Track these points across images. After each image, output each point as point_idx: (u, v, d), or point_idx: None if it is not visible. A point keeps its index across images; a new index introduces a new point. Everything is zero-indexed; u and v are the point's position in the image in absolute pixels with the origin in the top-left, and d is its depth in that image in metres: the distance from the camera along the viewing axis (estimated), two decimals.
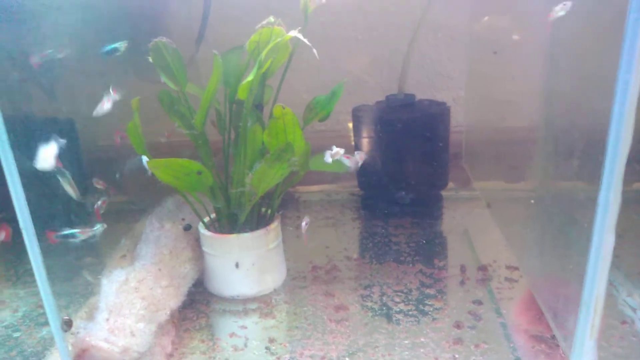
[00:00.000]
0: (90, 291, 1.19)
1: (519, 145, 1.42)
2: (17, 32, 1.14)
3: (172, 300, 1.06)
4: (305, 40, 0.91)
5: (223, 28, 1.67)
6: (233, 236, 1.15)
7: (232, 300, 1.19)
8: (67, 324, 0.88)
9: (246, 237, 1.15)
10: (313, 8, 1.07)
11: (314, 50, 0.91)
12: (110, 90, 1.02)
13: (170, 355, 1.01)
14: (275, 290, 1.21)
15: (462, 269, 1.25)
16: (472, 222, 1.53)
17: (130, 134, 1.03)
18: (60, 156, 1.06)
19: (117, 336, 0.90)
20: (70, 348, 0.90)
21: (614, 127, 0.66)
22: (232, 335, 1.07)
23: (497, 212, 1.48)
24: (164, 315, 1.02)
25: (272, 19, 1.04)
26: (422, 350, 0.98)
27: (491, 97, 1.53)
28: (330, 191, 1.81)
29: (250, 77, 0.97)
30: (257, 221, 1.21)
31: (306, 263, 1.33)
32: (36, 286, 1.30)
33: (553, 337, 0.96)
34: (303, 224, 1.15)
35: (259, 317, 1.12)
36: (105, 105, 1.01)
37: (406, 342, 1.01)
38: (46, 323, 1.16)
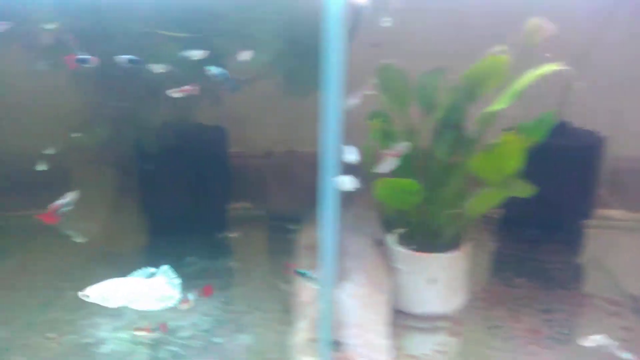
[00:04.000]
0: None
1: None
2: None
3: (389, 313, 1.08)
4: (570, 69, 0.93)
5: None
6: (432, 255, 1.17)
7: (421, 317, 1.21)
8: (338, 345, 0.90)
9: (443, 257, 1.18)
10: (539, 40, 1.09)
11: (582, 84, 0.94)
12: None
13: None
14: (460, 310, 1.24)
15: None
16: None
17: (365, 152, 1.04)
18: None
19: (373, 352, 0.92)
20: None
21: None
22: (433, 351, 1.09)
23: None
24: (389, 328, 1.04)
25: (505, 48, 1.06)
26: None
27: None
28: None
29: (497, 107, 0.99)
30: (448, 242, 1.23)
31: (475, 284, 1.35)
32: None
33: None
34: None
35: (450, 336, 1.15)
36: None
37: None
38: (240, 330, 1.16)
